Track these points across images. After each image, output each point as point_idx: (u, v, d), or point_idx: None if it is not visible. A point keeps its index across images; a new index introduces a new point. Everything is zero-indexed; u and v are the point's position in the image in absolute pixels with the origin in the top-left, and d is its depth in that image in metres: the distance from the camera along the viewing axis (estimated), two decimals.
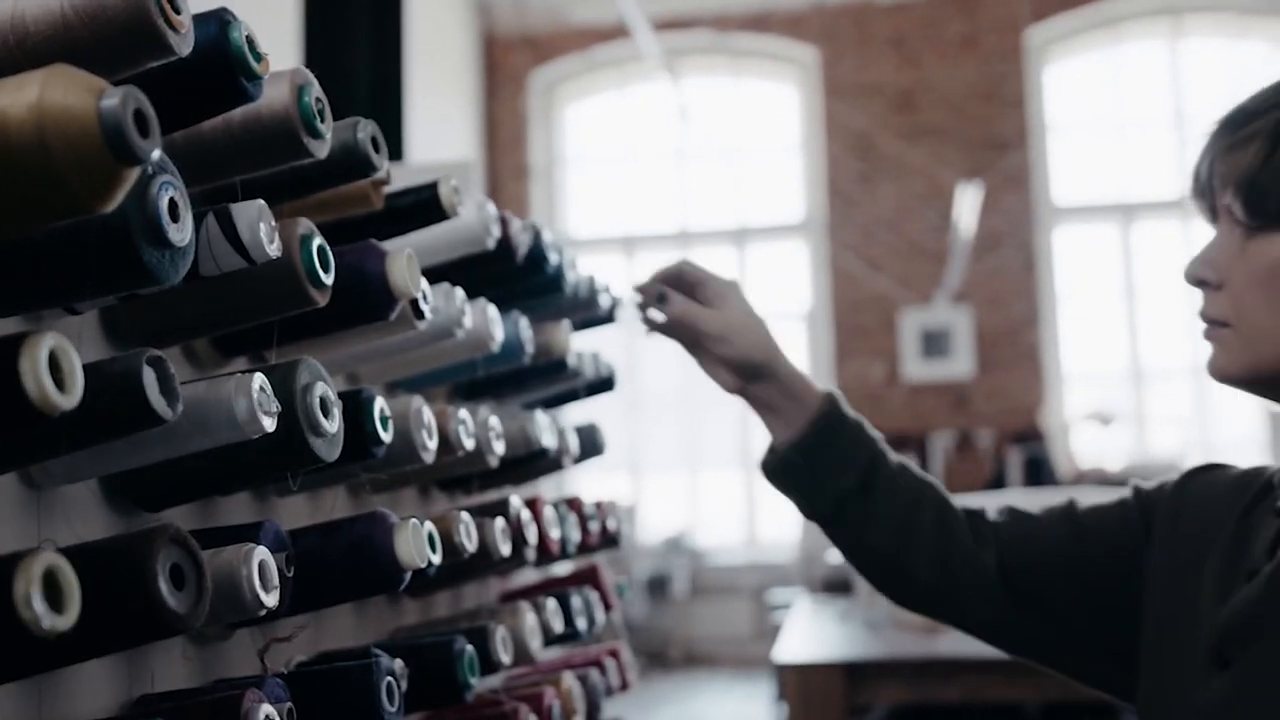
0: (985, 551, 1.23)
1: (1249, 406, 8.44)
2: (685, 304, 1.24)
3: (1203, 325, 1.06)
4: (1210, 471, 1.20)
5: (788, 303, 8.98)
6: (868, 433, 1.28)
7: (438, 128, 8.04)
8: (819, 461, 1.26)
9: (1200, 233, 1.09)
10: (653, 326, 1.30)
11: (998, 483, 7.83)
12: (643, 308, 1.27)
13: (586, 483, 8.54)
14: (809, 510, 1.30)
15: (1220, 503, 1.14)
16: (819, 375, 8.67)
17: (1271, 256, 1.00)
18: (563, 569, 1.70)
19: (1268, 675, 0.98)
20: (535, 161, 9.10)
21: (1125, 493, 1.23)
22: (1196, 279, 1.06)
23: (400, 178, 1.18)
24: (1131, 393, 8.48)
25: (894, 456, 1.29)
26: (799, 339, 8.88)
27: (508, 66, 9.10)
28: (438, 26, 8.18)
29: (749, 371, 1.26)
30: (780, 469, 1.28)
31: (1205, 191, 1.06)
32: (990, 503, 1.33)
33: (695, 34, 8.92)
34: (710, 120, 9.11)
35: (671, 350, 1.37)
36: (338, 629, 1.16)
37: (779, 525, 8.56)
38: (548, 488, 1.83)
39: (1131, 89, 8.90)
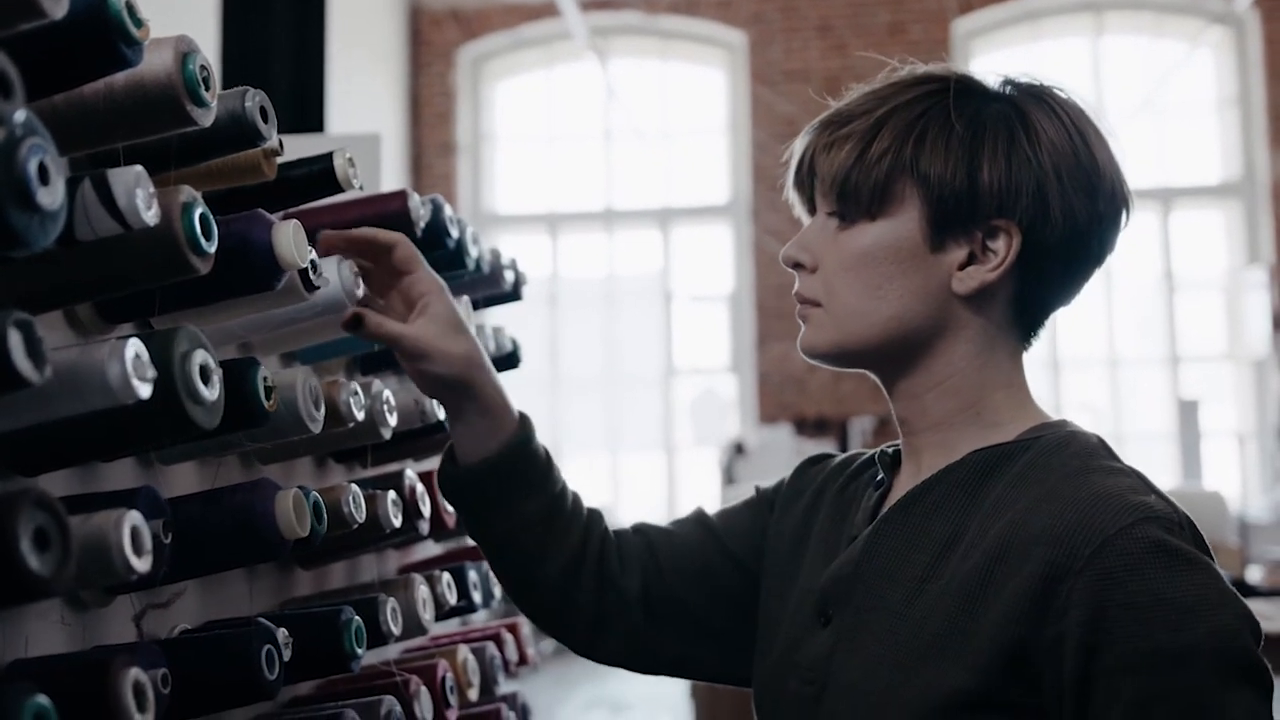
0: (629, 577, 1.27)
1: (1161, 396, 8.63)
2: (377, 325, 1.12)
3: (798, 305, 1.17)
4: (819, 461, 1.33)
5: (711, 284, 9.02)
6: (555, 463, 1.27)
7: (362, 101, 7.96)
8: (508, 484, 1.22)
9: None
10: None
11: None
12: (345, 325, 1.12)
13: None
14: (484, 532, 1.25)
15: (825, 483, 1.28)
16: (741, 358, 8.74)
17: (860, 244, 1.11)
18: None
19: (862, 628, 1.09)
20: (462, 138, 9.04)
21: (750, 494, 1.36)
22: (793, 262, 1.17)
23: (319, 149, 1.18)
24: (1047, 381, 8.63)
25: (571, 487, 1.28)
26: (721, 321, 8.93)
27: (435, 41, 9.02)
28: None
29: (446, 384, 1.18)
30: (466, 484, 1.22)
31: (805, 184, 1.17)
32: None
33: (624, 15, 8.91)
34: (637, 101, 9.12)
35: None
36: (230, 598, 1.16)
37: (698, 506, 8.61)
38: None
39: (1059, 78, 9.01)
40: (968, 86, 1.13)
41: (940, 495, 1.11)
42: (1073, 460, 1.06)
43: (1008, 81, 1.14)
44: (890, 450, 1.22)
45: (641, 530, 1.32)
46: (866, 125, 1.11)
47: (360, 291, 1.13)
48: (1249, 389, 8.42)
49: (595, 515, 1.29)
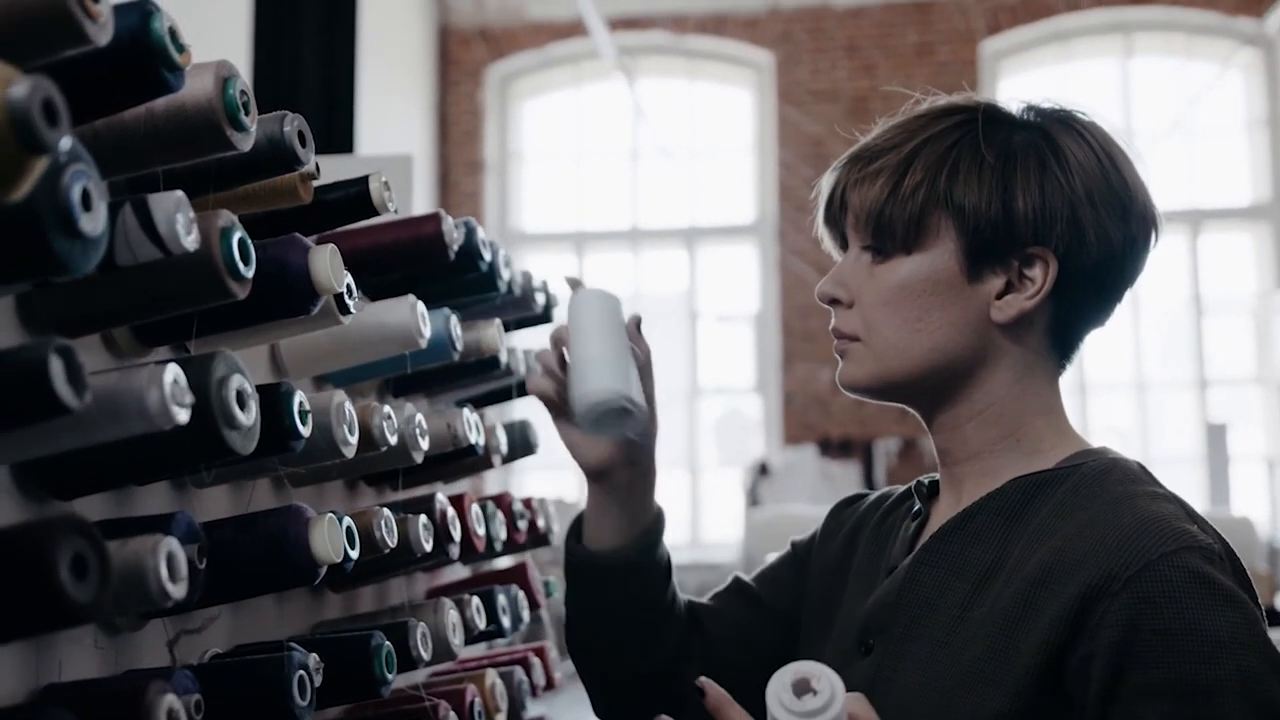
0: (693, 670, 1.24)
1: (1189, 420, 8.57)
2: (548, 387, 1.20)
3: (835, 340, 1.17)
4: (853, 502, 1.33)
5: (736, 304, 9.01)
6: (672, 566, 1.28)
7: (390, 120, 7.99)
8: (631, 581, 1.24)
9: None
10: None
11: None
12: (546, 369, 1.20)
13: (534, 481, 8.52)
14: (589, 619, 1.27)
15: (861, 520, 1.28)
16: (766, 379, 8.71)
17: (897, 278, 1.11)
18: (505, 564, 1.70)
19: (904, 656, 1.09)
20: (489, 156, 9.07)
21: (786, 549, 1.36)
22: (829, 298, 1.17)
23: (350, 170, 1.18)
24: (1074, 404, 8.57)
25: (682, 596, 1.30)
26: (746, 341, 8.91)
27: (463, 60, 9.06)
28: (392, 17, 8.14)
29: (614, 461, 1.22)
30: (590, 567, 1.24)
31: (836, 220, 1.17)
32: None
33: (651, 34, 8.92)
34: (664, 121, 9.13)
35: None
36: (259, 622, 1.16)
37: (722, 527, 8.59)
38: (493, 485, 1.82)
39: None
40: (995, 115, 1.13)
41: (981, 524, 1.11)
42: (1116, 487, 1.06)
43: (1030, 108, 1.15)
44: (927, 481, 1.23)
45: (690, 610, 1.33)
46: (898, 159, 1.11)
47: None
48: (1278, 413, 8.35)
49: (693, 621, 1.30)
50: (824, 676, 0.95)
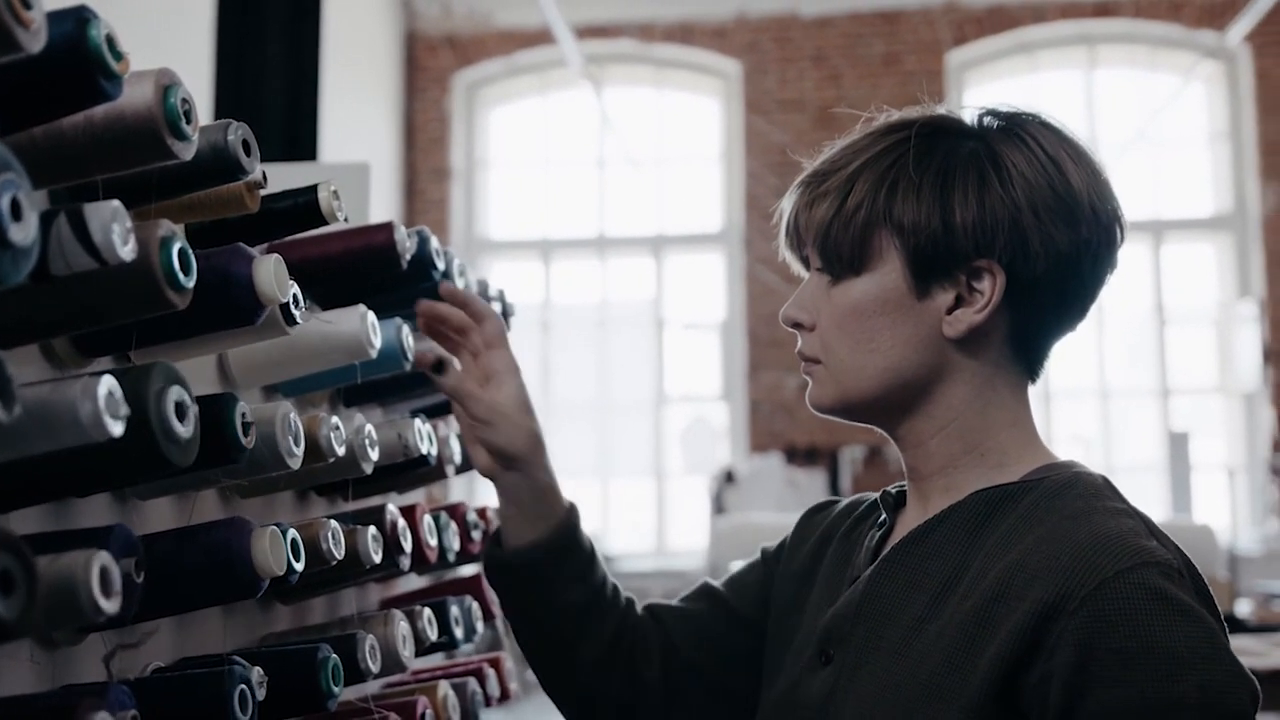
0: (649, 664, 1.28)
1: (1152, 428, 8.63)
2: (459, 381, 1.23)
3: (802, 363, 1.18)
4: (823, 509, 1.34)
5: (703, 312, 9.01)
6: (598, 554, 1.29)
7: (356, 127, 7.96)
8: (554, 570, 1.25)
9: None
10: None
11: None
12: (420, 365, 1.24)
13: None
14: (523, 616, 1.29)
15: (831, 527, 1.28)
16: (732, 387, 8.72)
17: (849, 299, 1.12)
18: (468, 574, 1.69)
19: (862, 667, 1.09)
20: (456, 164, 9.05)
21: (756, 556, 1.36)
22: (793, 322, 1.18)
23: (310, 178, 1.17)
24: (1038, 412, 8.58)
25: (611, 579, 1.31)
26: (713, 349, 8.92)
27: (430, 67, 9.03)
28: (358, 24, 8.11)
29: (505, 460, 1.25)
30: (512, 568, 1.26)
31: (795, 243, 1.18)
32: None
33: (619, 42, 8.93)
34: (631, 129, 9.13)
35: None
36: (205, 635, 1.14)
37: (688, 534, 8.59)
38: (457, 494, 1.81)
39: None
40: (938, 128, 1.12)
41: (942, 536, 1.11)
42: (1076, 502, 1.06)
43: (988, 112, 1.14)
44: (894, 490, 1.23)
45: (653, 611, 1.33)
46: (841, 180, 1.12)
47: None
48: (1239, 422, 8.43)
49: (630, 605, 1.30)
50: None
